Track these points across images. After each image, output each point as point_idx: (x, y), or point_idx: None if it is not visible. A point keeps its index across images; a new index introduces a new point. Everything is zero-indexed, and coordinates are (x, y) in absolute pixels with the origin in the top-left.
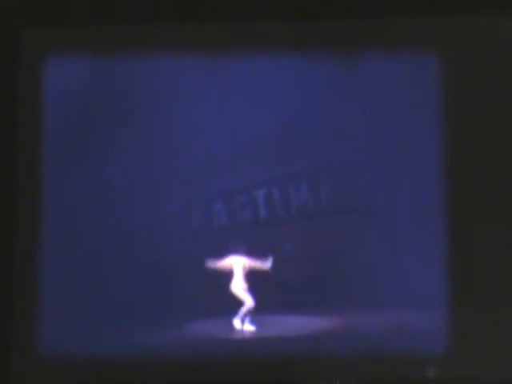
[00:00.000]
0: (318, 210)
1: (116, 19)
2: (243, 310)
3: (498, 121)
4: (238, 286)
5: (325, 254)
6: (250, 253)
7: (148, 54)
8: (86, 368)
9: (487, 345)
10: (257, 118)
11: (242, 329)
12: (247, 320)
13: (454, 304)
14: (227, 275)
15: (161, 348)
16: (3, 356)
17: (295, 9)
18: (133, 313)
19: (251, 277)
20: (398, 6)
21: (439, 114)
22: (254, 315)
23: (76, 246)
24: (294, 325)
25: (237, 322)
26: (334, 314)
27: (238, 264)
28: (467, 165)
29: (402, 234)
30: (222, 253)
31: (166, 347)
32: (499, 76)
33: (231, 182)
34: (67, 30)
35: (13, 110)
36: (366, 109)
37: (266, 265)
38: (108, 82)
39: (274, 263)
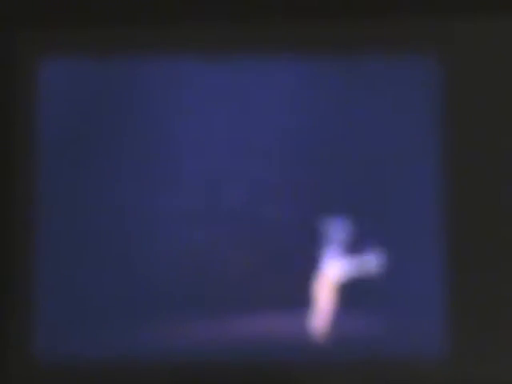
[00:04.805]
0: (316, 213)
1: (114, 21)
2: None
3: (499, 122)
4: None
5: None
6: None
7: (146, 57)
8: (85, 372)
9: (486, 347)
10: (255, 120)
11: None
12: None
13: (453, 306)
14: (228, 275)
15: (161, 351)
16: (0, 360)
17: (294, 9)
18: (132, 315)
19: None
20: (398, 6)
21: (439, 115)
22: (251, 317)
23: (73, 248)
24: (291, 328)
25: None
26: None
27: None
28: (467, 167)
29: (399, 236)
30: (225, 258)
31: (166, 350)
32: (500, 77)
33: (233, 187)
34: (63, 32)
35: (8, 112)
36: (365, 110)
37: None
38: (105, 84)
39: (273, 267)
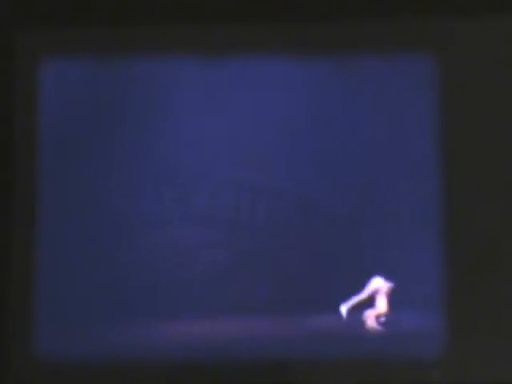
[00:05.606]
0: (314, 212)
1: (114, 21)
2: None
3: (499, 122)
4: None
5: (321, 255)
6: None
7: (147, 57)
8: (85, 372)
9: (485, 348)
10: (255, 120)
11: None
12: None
13: (450, 306)
14: (226, 276)
15: (163, 350)
16: (1, 360)
17: (293, 10)
18: (133, 315)
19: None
20: (396, 6)
21: (437, 115)
22: (248, 316)
23: (74, 249)
24: (288, 326)
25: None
26: (329, 315)
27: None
28: (466, 166)
29: (397, 235)
30: (223, 258)
31: (168, 350)
32: (498, 77)
33: (231, 186)
34: (63, 32)
35: (8, 112)
36: (363, 110)
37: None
38: (105, 84)
39: (270, 265)
